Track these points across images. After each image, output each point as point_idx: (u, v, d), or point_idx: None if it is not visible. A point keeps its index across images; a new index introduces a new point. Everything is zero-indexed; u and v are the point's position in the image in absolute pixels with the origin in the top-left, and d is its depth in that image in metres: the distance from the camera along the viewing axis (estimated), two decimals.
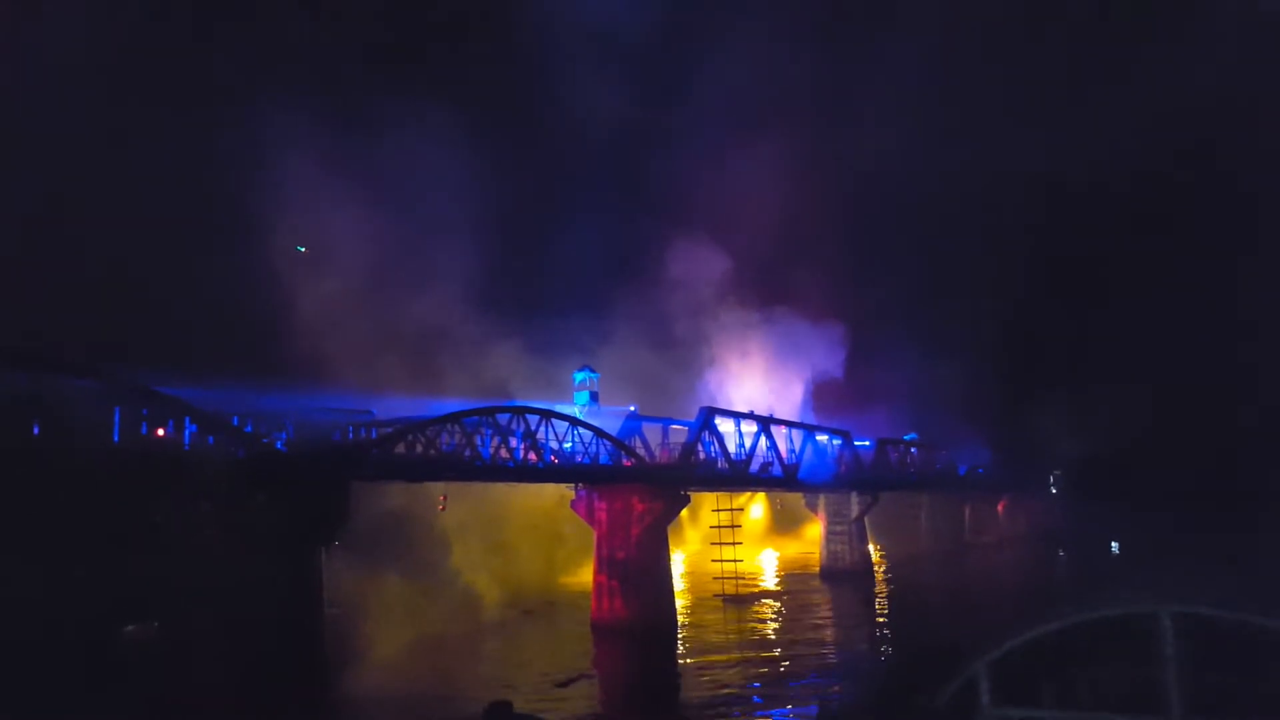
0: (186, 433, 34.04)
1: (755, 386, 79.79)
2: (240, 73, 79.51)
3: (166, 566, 31.94)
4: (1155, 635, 11.18)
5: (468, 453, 43.59)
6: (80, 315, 58.64)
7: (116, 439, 32.00)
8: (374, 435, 44.46)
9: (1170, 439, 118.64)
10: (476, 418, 44.65)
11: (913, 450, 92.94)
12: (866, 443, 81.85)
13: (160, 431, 33.92)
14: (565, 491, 54.65)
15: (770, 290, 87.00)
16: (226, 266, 65.26)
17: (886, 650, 48.39)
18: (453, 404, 48.77)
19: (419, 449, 42.38)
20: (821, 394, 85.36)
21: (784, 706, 35.95)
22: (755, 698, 36.74)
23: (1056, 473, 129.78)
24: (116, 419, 32.28)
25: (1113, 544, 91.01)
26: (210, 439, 34.46)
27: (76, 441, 30.90)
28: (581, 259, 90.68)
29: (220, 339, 63.92)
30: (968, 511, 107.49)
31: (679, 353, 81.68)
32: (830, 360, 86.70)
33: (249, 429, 37.28)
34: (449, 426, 43.23)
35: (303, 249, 65.84)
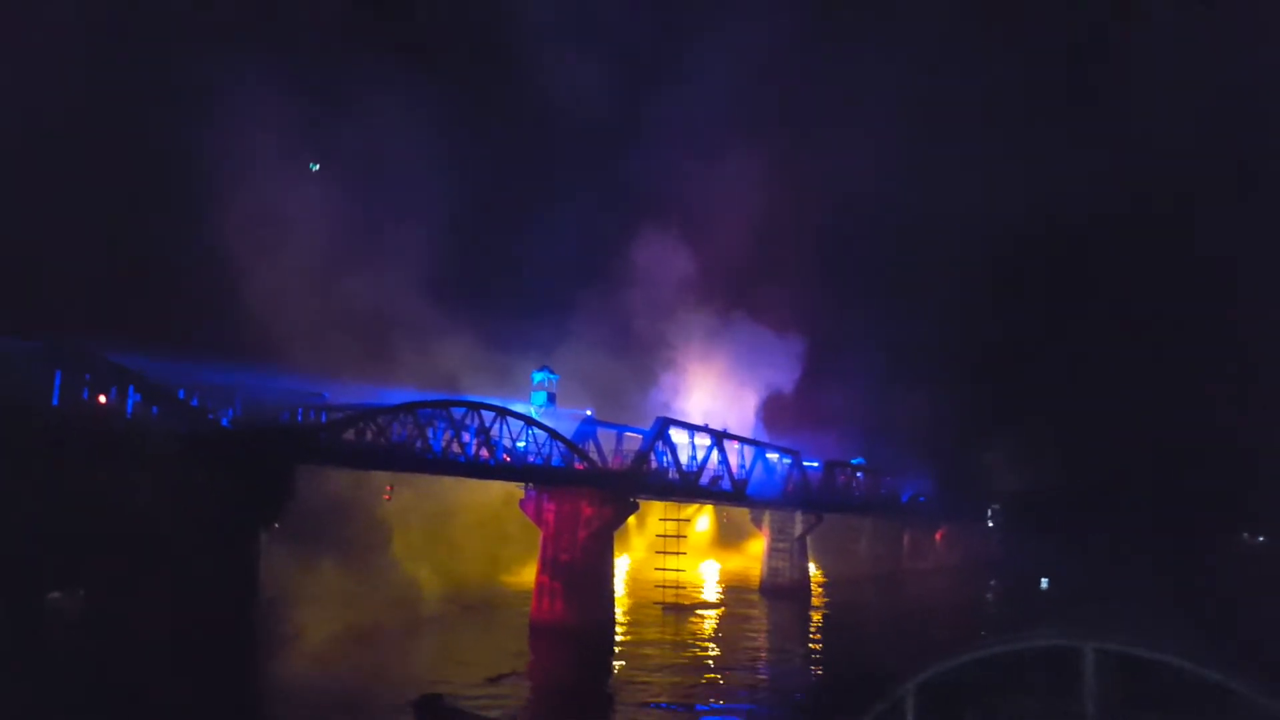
0: (130, 402, 33.30)
1: (710, 396, 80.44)
2: (203, 41, 76.77)
3: (99, 537, 31.13)
4: (1077, 669, 11.58)
5: (419, 444, 43.27)
6: (26, 280, 56.82)
7: (56, 402, 31.23)
8: (324, 419, 43.94)
9: (1108, 481, 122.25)
10: (430, 410, 44.36)
11: (858, 475, 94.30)
12: (815, 464, 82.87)
13: (102, 399, 33.14)
14: (514, 490, 54.44)
15: (733, 300, 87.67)
16: (181, 236, 63.53)
17: (818, 668, 48.96)
18: (406, 393, 48.41)
19: (369, 436, 41.96)
20: (773, 410, 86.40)
21: (711, 716, 36.26)
22: (685, 708, 36.97)
23: (994, 507, 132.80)
24: (57, 382, 31.51)
25: (1043, 579, 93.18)
26: (155, 410, 33.74)
27: (11, 400, 30.04)
28: (547, 254, 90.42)
29: (172, 309, 62.30)
30: (907, 538, 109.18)
31: (639, 358, 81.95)
32: (785, 376, 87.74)
33: (195, 403, 36.57)
34: (401, 416, 42.88)
35: (315, 166, 63.89)
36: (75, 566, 35.27)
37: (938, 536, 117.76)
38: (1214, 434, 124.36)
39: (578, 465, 52.76)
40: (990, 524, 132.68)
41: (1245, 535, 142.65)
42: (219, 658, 32.11)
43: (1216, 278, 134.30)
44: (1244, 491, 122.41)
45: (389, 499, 57.10)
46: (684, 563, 64.73)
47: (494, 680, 38.23)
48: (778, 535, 78.44)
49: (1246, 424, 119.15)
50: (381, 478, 54.59)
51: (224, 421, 37.64)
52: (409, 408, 43.14)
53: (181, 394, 36.00)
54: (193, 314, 61.34)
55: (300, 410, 44.59)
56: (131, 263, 64.20)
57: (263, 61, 67.02)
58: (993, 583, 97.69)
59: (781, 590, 76.05)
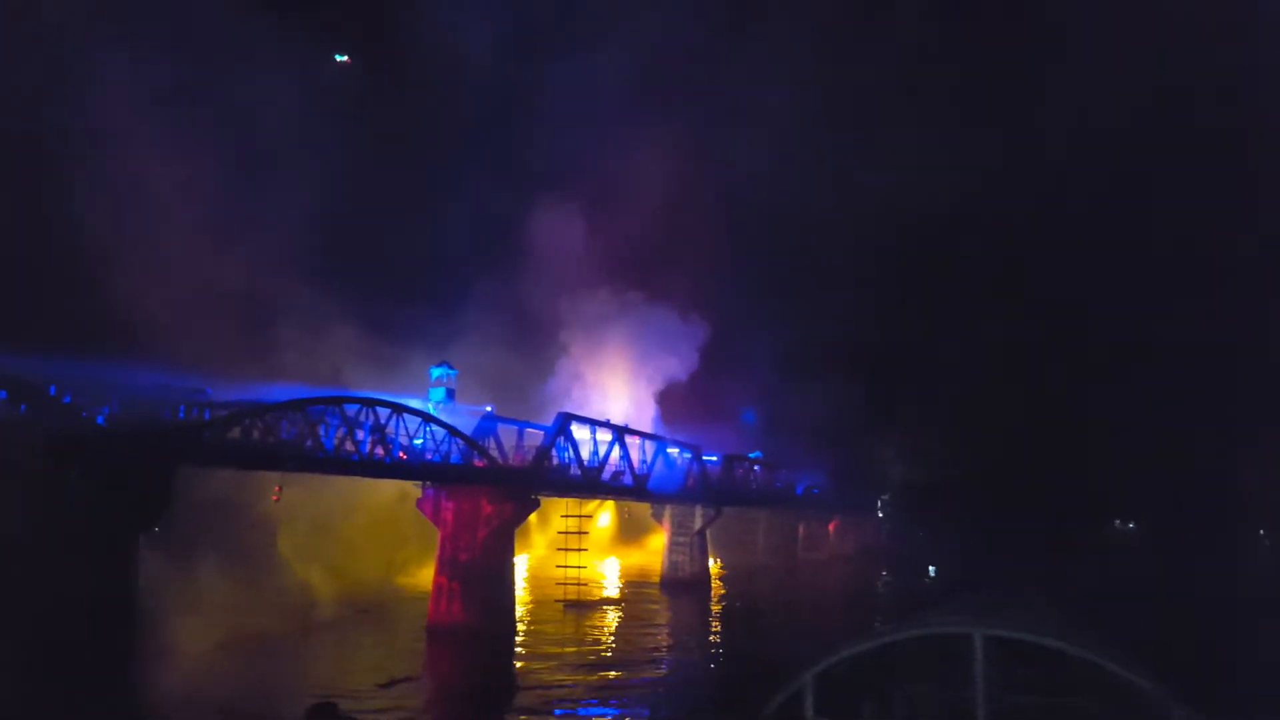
0: None
1: (610, 385, 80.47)
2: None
3: None
4: (968, 655, 12.09)
5: (310, 443, 41.73)
6: None
7: None
8: (207, 416, 41.82)
9: (990, 471, 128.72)
10: (321, 406, 42.85)
11: (756, 469, 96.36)
12: (714, 458, 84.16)
13: None
14: (410, 489, 53.20)
15: (632, 287, 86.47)
16: (35, 217, 58.09)
17: (719, 660, 49.75)
18: (293, 389, 46.48)
19: (256, 435, 40.18)
20: (672, 403, 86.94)
21: (614, 712, 36.35)
22: (585, 704, 36.96)
23: (884, 497, 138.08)
24: None
25: (930, 567, 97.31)
26: (22, 407, 31.44)
27: None
28: (438, 239, 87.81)
29: (33, 298, 57.46)
30: (802, 529, 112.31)
31: (538, 349, 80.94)
32: (685, 364, 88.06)
33: (68, 399, 34.24)
34: (290, 413, 41.24)
35: (342, 58, 58.65)
36: None
37: (831, 527, 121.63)
38: (1088, 425, 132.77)
39: (477, 463, 51.98)
40: (880, 514, 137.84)
41: (1116, 522, 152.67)
42: (94, 673, 30.20)
43: (1102, 268, 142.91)
44: (1114, 480, 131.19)
45: (278, 499, 54.74)
46: (585, 559, 64.70)
47: (390, 685, 37.27)
48: (678, 530, 79.35)
49: (1119, 415, 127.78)
50: (269, 477, 52.34)
51: (99, 420, 35.36)
52: (298, 404, 41.53)
53: (53, 390, 33.61)
54: (57, 304, 56.76)
55: (182, 408, 42.27)
56: None
57: (119, 26, 61.39)
58: (884, 572, 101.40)
59: (682, 584, 76.97)
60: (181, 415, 41.29)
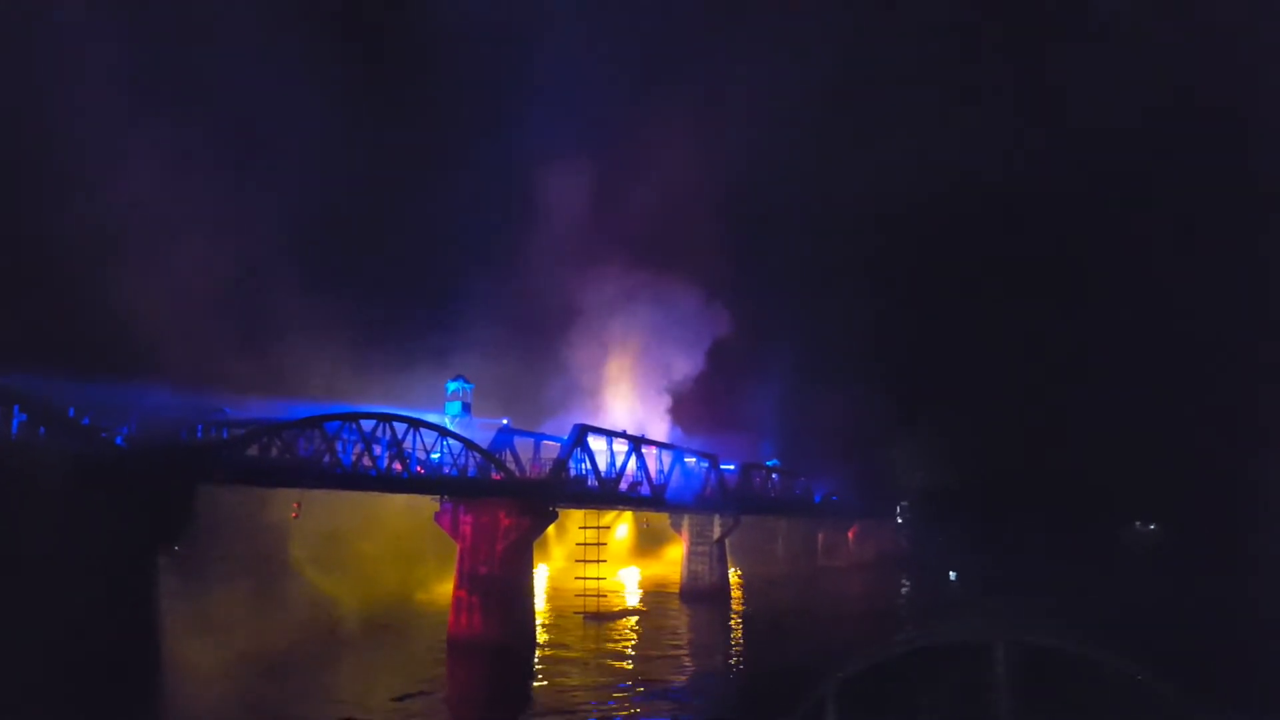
0: (14, 422, 31.24)
1: (624, 390, 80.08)
2: None
3: None
4: (990, 662, 11.92)
5: (327, 459, 41.88)
6: None
7: None
8: (225, 435, 42.07)
9: (1011, 474, 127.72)
10: (338, 422, 43.02)
11: (774, 476, 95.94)
12: (732, 466, 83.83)
13: None
14: (429, 504, 53.30)
15: (645, 284, 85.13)
16: (45, 229, 57.16)
17: (741, 671, 49.44)
18: (309, 406, 46.68)
19: (274, 452, 40.36)
20: (688, 410, 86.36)
21: None
22: (607, 716, 36.79)
23: (904, 503, 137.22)
24: None
25: (951, 573, 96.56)
26: (42, 430, 31.74)
27: None
28: (444, 241, 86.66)
29: (54, 319, 57.64)
30: (821, 537, 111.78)
31: (550, 351, 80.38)
32: (699, 365, 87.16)
33: (86, 421, 34.53)
34: (307, 430, 41.42)
35: None
36: None
37: (850, 534, 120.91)
38: (1111, 427, 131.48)
39: (495, 475, 52.01)
40: (900, 520, 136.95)
41: (1138, 524, 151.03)
42: (116, 692, 30.37)
43: (1125, 275, 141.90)
44: (1134, 481, 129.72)
45: (296, 516, 55.03)
46: (604, 570, 64.59)
47: (407, 698, 37.25)
48: (696, 539, 79.03)
49: (1142, 417, 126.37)
50: (288, 494, 52.56)
51: (118, 440, 35.65)
52: (315, 421, 41.70)
53: (71, 412, 33.93)
54: (68, 323, 56.76)
55: (200, 427, 42.54)
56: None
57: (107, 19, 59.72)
58: (904, 579, 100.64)
59: (702, 594, 76.60)
60: (200, 435, 41.51)
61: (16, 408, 31.31)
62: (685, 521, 79.11)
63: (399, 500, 54.95)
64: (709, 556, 78.34)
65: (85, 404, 35.18)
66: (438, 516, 52.08)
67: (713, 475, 76.35)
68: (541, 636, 53.72)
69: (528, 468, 57.43)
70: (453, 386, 60.99)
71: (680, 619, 67.96)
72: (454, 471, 48.88)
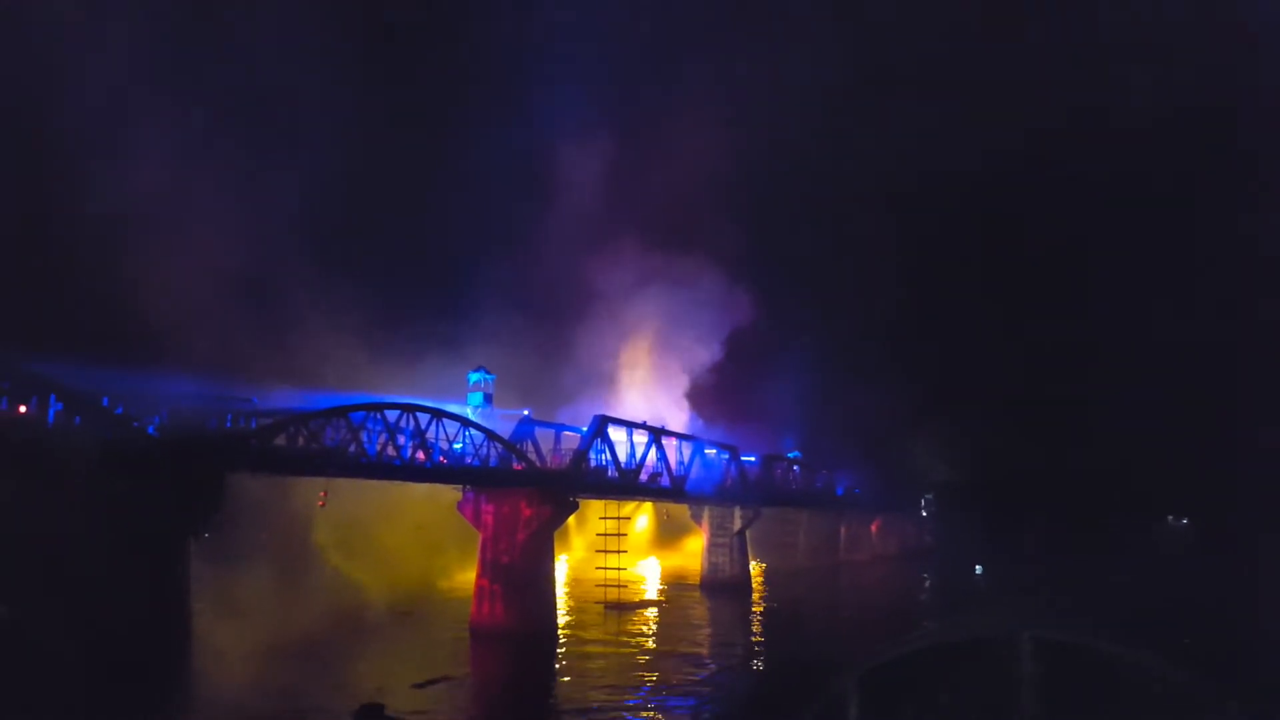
0: (51, 411, 31.90)
1: (646, 377, 79.96)
2: None
3: (21, 549, 29.71)
4: (1014, 658, 11.92)
5: (353, 448, 42.39)
6: None
7: None
8: (254, 425, 42.70)
9: (1039, 468, 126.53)
10: (363, 413, 43.49)
11: (795, 469, 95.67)
12: (752, 458, 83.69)
13: (22, 408, 31.69)
14: (450, 493, 53.74)
15: (665, 271, 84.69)
16: (79, 224, 57.01)
17: (762, 663, 49.54)
18: (335, 397, 47.19)
19: (301, 441, 40.94)
20: (708, 401, 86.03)
21: (654, 717, 36.36)
22: (627, 704, 37.01)
23: (928, 496, 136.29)
24: None
25: (977, 567, 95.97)
26: (77, 419, 32.39)
27: None
28: (462, 230, 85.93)
29: (87, 313, 58.32)
30: (843, 530, 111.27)
31: (572, 348, 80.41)
32: (720, 356, 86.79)
33: (120, 411, 35.18)
34: (334, 420, 41.93)
35: None
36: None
37: (873, 528, 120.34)
38: (1139, 422, 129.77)
39: (516, 466, 52.37)
40: (924, 514, 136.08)
41: (1170, 519, 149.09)
42: (147, 673, 31.01)
43: (1153, 268, 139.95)
44: (1165, 476, 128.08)
45: (323, 505, 55.70)
46: (624, 561, 64.87)
47: (429, 685, 37.67)
48: (717, 531, 79.09)
49: (1169, 412, 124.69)
50: (314, 482, 53.18)
51: (150, 429, 36.29)
52: (341, 411, 42.23)
53: (105, 401, 34.57)
54: (98, 313, 57.21)
55: (229, 416, 43.21)
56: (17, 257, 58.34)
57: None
58: (927, 573, 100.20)
59: (722, 586, 76.69)
60: (229, 424, 42.16)
61: (53, 396, 31.96)
62: (706, 513, 79.14)
63: (420, 489, 55.41)
64: (730, 548, 78.33)
65: (117, 393, 35.84)
66: (460, 506, 52.54)
67: (733, 467, 76.31)
68: (562, 626, 54.10)
69: (548, 458, 57.75)
70: (474, 378, 61.45)
71: (701, 610, 68.12)
72: (476, 462, 49.28)
